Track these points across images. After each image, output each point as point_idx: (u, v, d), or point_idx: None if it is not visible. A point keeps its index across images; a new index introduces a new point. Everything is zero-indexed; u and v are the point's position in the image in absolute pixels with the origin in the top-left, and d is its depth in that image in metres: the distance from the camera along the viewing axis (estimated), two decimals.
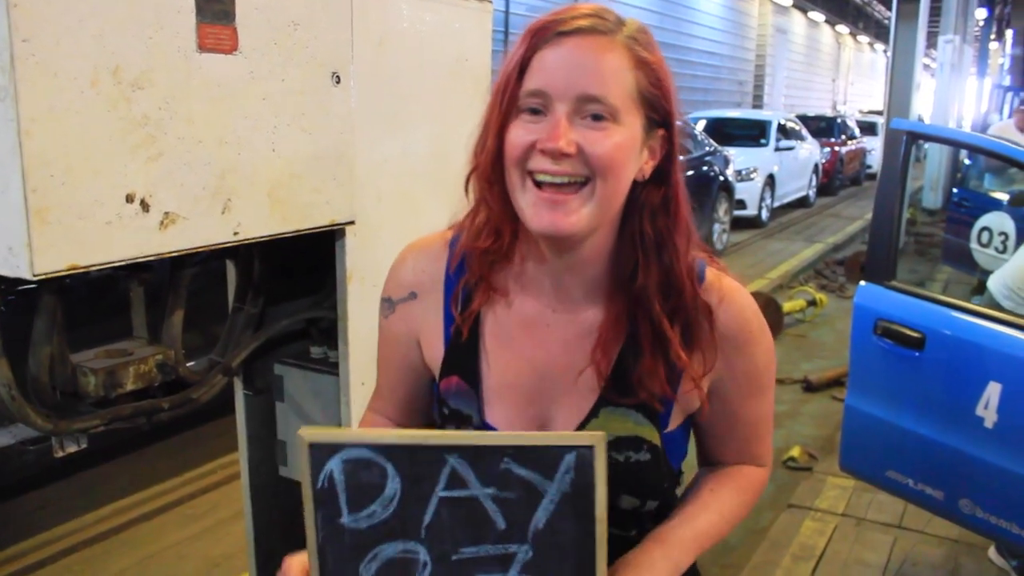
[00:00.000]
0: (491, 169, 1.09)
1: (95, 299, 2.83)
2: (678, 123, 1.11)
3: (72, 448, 1.78)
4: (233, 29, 1.51)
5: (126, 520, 3.81)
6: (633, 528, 1.17)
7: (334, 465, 1.06)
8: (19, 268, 1.27)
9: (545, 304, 1.15)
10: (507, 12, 13.15)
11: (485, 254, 1.15)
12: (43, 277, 1.27)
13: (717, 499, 1.21)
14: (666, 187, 1.11)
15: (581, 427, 1.14)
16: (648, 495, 1.14)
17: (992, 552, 3.51)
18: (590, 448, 1.01)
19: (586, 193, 1.03)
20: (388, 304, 1.25)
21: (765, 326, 1.20)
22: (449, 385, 1.18)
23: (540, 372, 1.15)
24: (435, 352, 1.20)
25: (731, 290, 1.17)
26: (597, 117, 1.02)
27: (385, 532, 1.06)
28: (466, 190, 1.15)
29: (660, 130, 1.09)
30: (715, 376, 1.16)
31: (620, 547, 1.12)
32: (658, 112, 1.08)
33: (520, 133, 1.04)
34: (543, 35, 1.04)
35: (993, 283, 3.65)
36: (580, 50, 1.02)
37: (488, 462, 1.03)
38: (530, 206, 1.05)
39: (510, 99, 1.05)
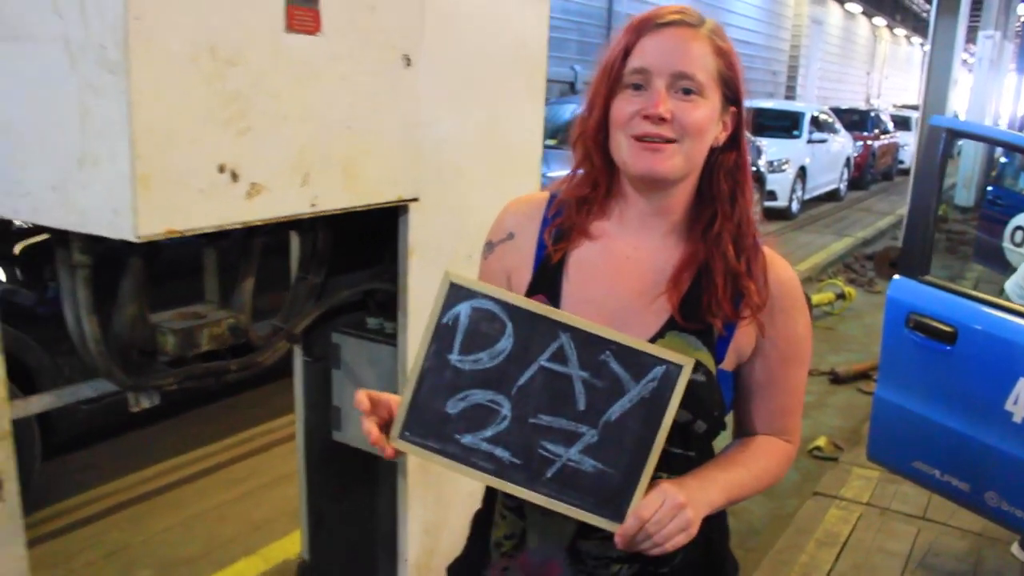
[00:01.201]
0: (597, 131, 1.30)
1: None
2: (745, 102, 1.32)
3: (146, 403, 1.88)
4: (317, 11, 1.59)
5: (169, 482, 3.93)
6: (679, 445, 1.30)
7: (463, 308, 1.21)
8: (124, 230, 1.36)
9: (629, 242, 1.34)
10: None
11: (582, 202, 1.35)
12: (145, 239, 1.37)
13: (747, 457, 1.36)
14: (737, 152, 1.33)
15: None
16: (700, 414, 1.28)
17: (1015, 547, 3.56)
18: (679, 367, 1.18)
19: (676, 147, 1.25)
20: (488, 247, 1.43)
21: (806, 305, 1.38)
22: None
23: (617, 294, 1.32)
24: (523, 279, 1.37)
25: (782, 262, 1.37)
26: (687, 91, 1.24)
27: (482, 379, 1.21)
28: (573, 149, 1.36)
29: (732, 107, 1.31)
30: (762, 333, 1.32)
31: (663, 460, 1.24)
32: (732, 91, 1.30)
33: (625, 103, 1.26)
34: (645, 26, 1.27)
35: (1009, 285, 3.71)
36: (674, 37, 1.25)
37: (592, 349, 1.19)
38: (631, 155, 1.26)
39: (616, 76, 1.27)
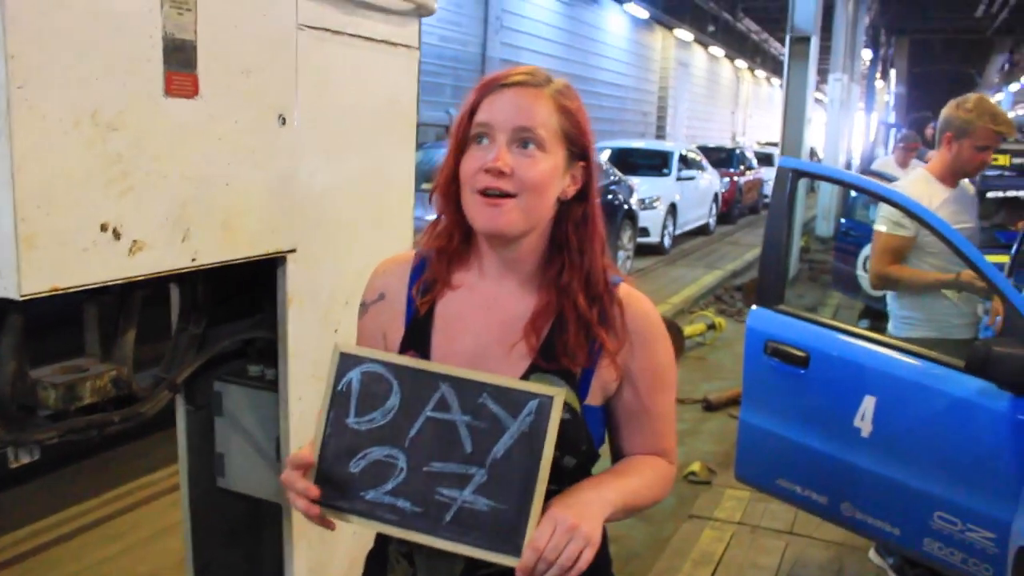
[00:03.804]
0: (448, 186, 1.39)
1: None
2: (595, 157, 1.41)
3: (26, 459, 1.89)
4: (195, 76, 1.68)
5: (45, 541, 3.82)
6: (550, 481, 1.32)
7: (354, 374, 1.31)
8: (7, 289, 1.41)
9: (489, 291, 1.42)
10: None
11: (440, 253, 1.44)
12: (28, 297, 1.42)
13: (637, 469, 1.43)
14: (586, 205, 1.41)
15: None
16: (567, 450, 1.35)
17: (872, 553, 3.83)
18: (550, 399, 1.27)
19: (515, 202, 1.32)
20: (363, 307, 1.52)
21: (667, 334, 1.47)
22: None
23: (482, 343, 1.41)
24: (396, 336, 1.45)
25: (639, 297, 1.46)
26: (527, 145, 1.32)
27: (378, 437, 1.30)
28: (430, 201, 1.45)
29: (580, 162, 1.39)
30: (625, 368, 1.41)
31: None
32: (577, 147, 1.38)
33: (472, 159, 1.34)
34: (491, 85, 1.36)
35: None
36: (517, 95, 1.34)
37: (470, 394, 1.28)
38: (475, 211, 1.34)
39: (463, 132, 1.36)
